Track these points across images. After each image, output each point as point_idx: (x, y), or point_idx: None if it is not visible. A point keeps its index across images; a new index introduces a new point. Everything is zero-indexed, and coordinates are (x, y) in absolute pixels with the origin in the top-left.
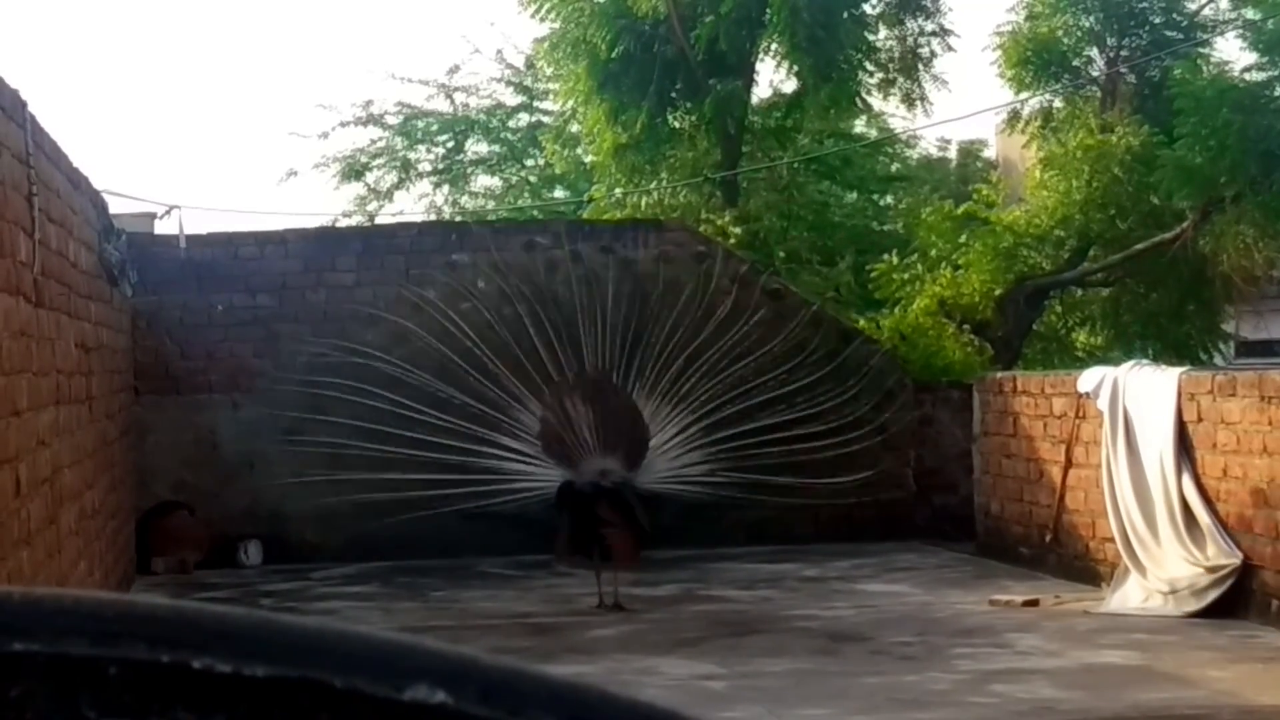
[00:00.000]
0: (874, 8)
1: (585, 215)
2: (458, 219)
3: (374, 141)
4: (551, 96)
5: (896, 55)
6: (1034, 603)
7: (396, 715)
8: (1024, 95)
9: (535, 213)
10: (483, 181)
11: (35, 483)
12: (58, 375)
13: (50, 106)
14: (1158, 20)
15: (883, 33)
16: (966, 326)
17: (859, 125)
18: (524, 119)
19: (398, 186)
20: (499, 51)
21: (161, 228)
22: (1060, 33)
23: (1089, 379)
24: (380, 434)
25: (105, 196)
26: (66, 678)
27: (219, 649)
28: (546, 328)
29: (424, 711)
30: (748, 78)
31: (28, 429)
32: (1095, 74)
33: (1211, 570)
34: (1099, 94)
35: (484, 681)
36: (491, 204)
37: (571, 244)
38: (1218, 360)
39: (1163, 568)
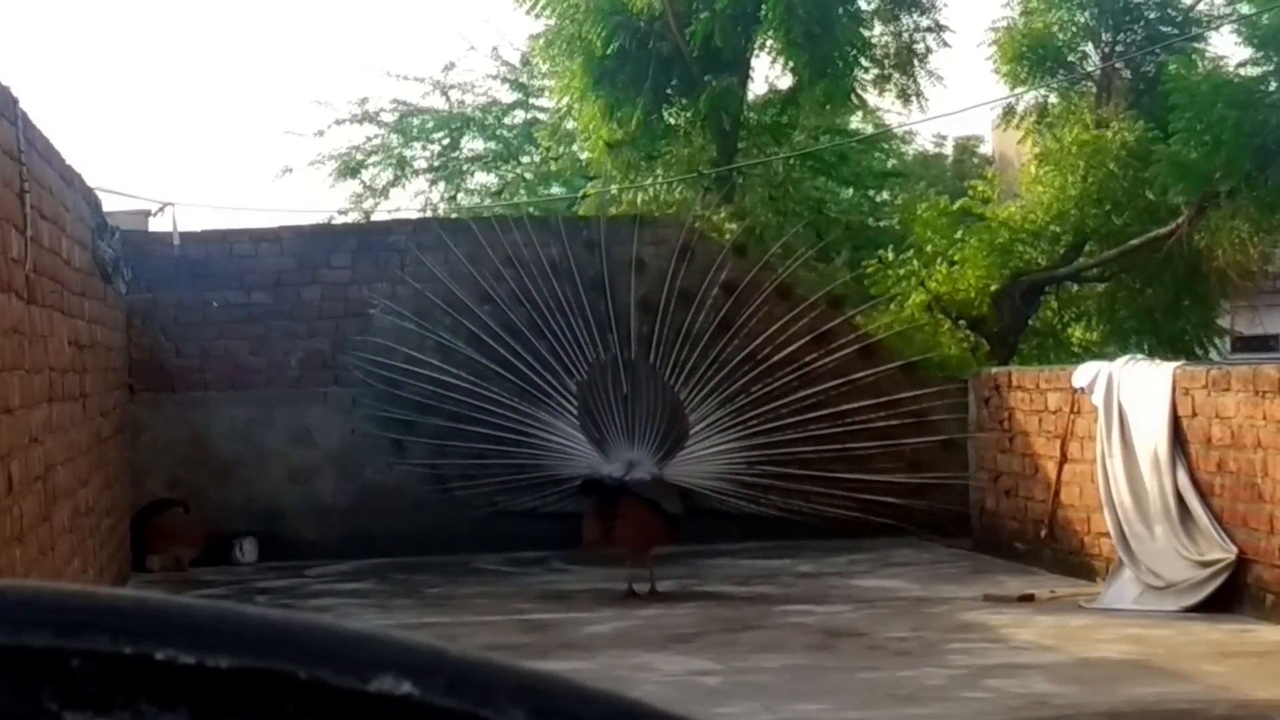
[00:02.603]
0: (869, 3)
1: (580, 212)
2: (453, 215)
3: (369, 139)
4: (547, 93)
5: (892, 51)
6: (1029, 598)
7: (362, 707)
8: (1019, 91)
9: (531, 209)
10: (479, 178)
11: (28, 480)
12: (50, 372)
13: (43, 104)
14: (1153, 15)
15: (878, 28)
16: (962, 322)
17: (855, 121)
18: (519, 116)
19: (393, 184)
20: (494, 48)
21: (156, 225)
22: (1055, 28)
23: (1084, 374)
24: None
25: (99, 194)
26: (28, 670)
27: (182, 640)
28: (575, 310)
29: (390, 703)
30: (743, 74)
31: (20, 426)
32: (1090, 69)
33: (1206, 565)
34: (1094, 89)
35: (450, 673)
36: (487, 201)
37: (572, 239)
38: (1213, 356)
39: (1157, 562)
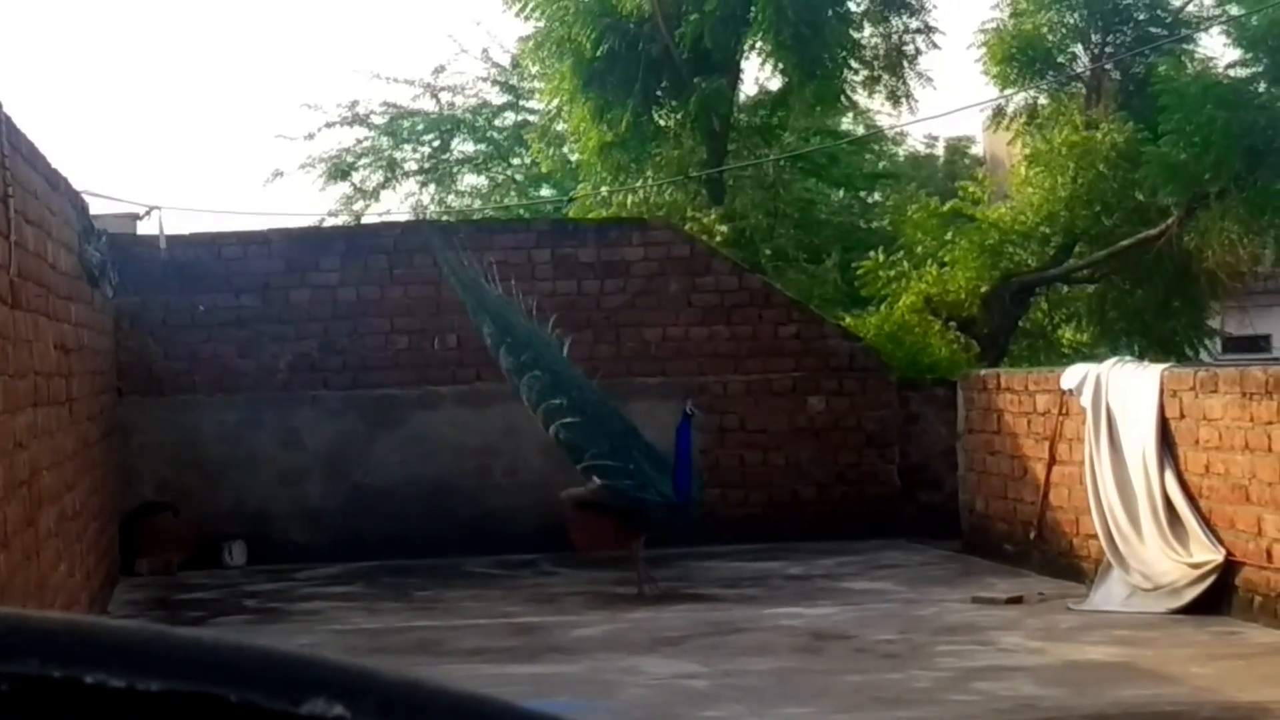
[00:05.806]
0: (859, 5)
1: (570, 214)
2: (444, 218)
3: (360, 141)
4: (537, 95)
5: (881, 53)
6: (1017, 600)
7: None
8: (1009, 92)
9: (521, 211)
10: (469, 180)
11: (12, 485)
12: (35, 377)
13: (29, 107)
14: (1142, 17)
15: (867, 30)
16: (952, 324)
17: (845, 123)
18: (510, 118)
19: (384, 186)
20: (484, 51)
21: (144, 229)
22: (1045, 29)
23: (1072, 376)
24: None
25: (85, 197)
26: None
27: (112, 663)
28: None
29: None
30: (733, 75)
31: (4, 431)
32: (1080, 70)
33: (1194, 567)
34: (1084, 90)
35: (383, 695)
36: (478, 203)
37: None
38: (1204, 356)
39: (1146, 564)
